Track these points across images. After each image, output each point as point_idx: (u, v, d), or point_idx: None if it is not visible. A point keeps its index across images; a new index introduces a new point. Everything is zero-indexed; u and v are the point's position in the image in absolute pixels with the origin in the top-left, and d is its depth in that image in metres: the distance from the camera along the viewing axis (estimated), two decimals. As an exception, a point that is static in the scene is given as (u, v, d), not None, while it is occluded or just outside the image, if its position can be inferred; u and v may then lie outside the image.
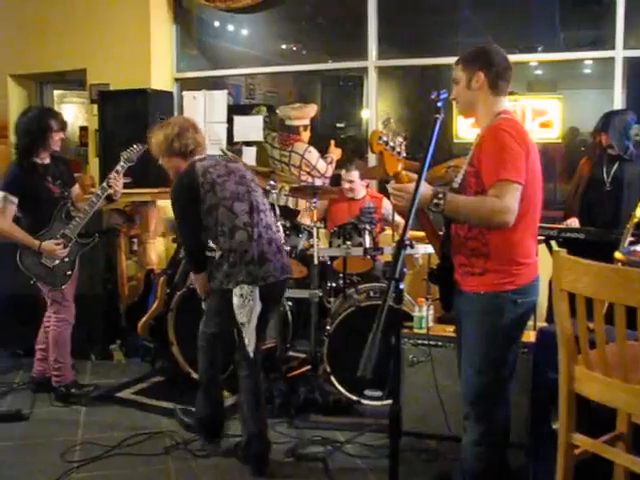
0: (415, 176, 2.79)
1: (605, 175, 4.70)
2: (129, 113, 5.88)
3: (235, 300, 3.55)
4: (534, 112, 5.58)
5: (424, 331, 3.89)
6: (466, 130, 5.53)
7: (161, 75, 6.77)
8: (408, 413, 3.67)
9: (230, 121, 6.35)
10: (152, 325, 5.04)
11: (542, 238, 4.21)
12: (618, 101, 5.42)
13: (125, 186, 4.72)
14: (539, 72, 6.41)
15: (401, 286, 2.33)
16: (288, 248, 4.61)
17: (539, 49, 5.98)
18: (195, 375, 4.76)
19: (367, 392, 4.42)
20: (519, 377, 3.05)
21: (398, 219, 5.01)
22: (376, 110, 6.29)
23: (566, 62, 5.95)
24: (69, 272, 4.60)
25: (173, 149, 3.71)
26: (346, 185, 5.52)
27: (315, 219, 4.67)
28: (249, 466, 3.66)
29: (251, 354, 3.63)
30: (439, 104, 2.60)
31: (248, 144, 6.30)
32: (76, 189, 4.82)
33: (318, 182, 5.48)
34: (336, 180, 5.75)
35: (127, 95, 6.06)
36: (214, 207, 3.58)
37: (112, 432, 4.09)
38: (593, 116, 4.99)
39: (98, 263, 5.65)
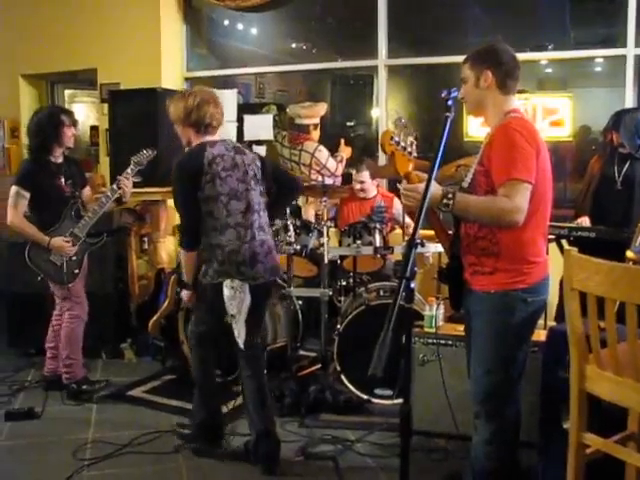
0: (425, 176, 2.79)
1: (616, 174, 4.68)
2: (139, 112, 5.88)
3: (226, 292, 3.56)
4: (545, 110, 5.56)
5: (434, 330, 3.89)
6: (476, 129, 5.51)
7: (171, 74, 6.78)
8: (418, 412, 3.65)
9: (240, 120, 6.36)
10: (163, 324, 5.05)
11: (553, 237, 4.21)
12: (629, 99, 5.39)
13: (135, 185, 4.75)
14: (549, 70, 6.37)
15: (412, 285, 2.33)
16: (298, 247, 4.62)
17: (549, 47, 5.95)
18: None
19: (377, 391, 4.43)
20: (529, 376, 3.04)
21: (408, 220, 5.00)
22: (386, 109, 6.28)
23: (577, 60, 5.92)
24: (76, 270, 4.62)
25: (189, 121, 3.64)
26: (357, 186, 5.52)
27: (325, 217, 4.67)
28: (259, 465, 3.67)
29: (242, 346, 3.64)
30: (449, 103, 2.60)
31: (258, 143, 6.31)
32: (87, 191, 4.86)
33: (328, 181, 5.48)
34: (348, 179, 5.75)
35: (137, 94, 6.06)
36: (211, 198, 3.55)
37: (123, 430, 4.10)
38: (604, 114, 4.97)
39: (109, 262, 5.67)
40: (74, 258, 4.60)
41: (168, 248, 6.24)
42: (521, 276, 2.77)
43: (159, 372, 5.21)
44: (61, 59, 6.94)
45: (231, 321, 3.61)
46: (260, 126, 6.31)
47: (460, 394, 3.38)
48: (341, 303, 5.04)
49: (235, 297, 3.57)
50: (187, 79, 7.02)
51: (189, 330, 3.87)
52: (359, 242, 4.59)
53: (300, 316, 5.01)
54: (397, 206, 5.44)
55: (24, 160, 4.70)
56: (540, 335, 3.40)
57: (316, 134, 5.85)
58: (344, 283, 5.10)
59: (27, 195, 4.47)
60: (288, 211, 4.73)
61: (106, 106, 6.45)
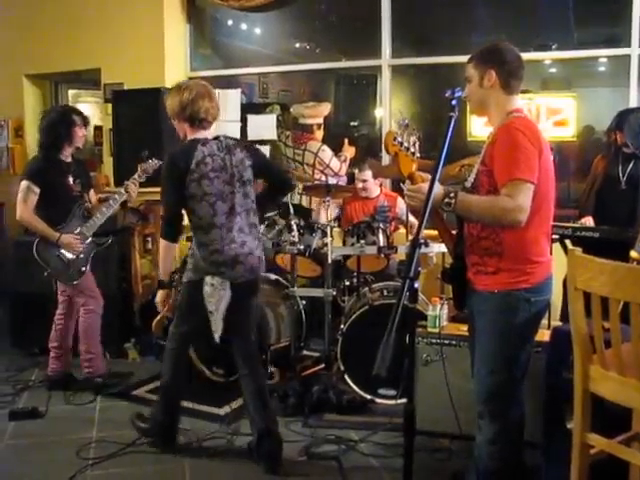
0: (428, 176, 2.80)
1: (620, 174, 4.68)
2: (143, 112, 5.89)
3: (206, 288, 3.61)
4: (548, 110, 5.55)
5: (438, 330, 3.88)
6: (480, 128, 5.50)
7: (175, 74, 6.77)
8: (422, 412, 3.65)
9: (244, 120, 6.36)
10: (166, 324, 5.04)
11: (557, 237, 4.20)
12: (633, 99, 5.37)
13: (139, 185, 4.76)
14: (553, 70, 6.36)
15: (415, 285, 2.33)
16: (302, 247, 4.61)
17: (553, 47, 5.94)
18: (209, 373, 4.80)
19: (381, 391, 4.42)
20: (533, 376, 3.04)
21: (412, 219, 5.00)
22: (390, 108, 6.28)
23: (580, 60, 5.91)
24: (83, 268, 4.64)
25: (184, 115, 3.64)
26: (359, 185, 5.52)
27: (330, 217, 4.67)
28: (261, 465, 3.67)
29: (217, 340, 3.68)
30: (453, 102, 2.61)
31: (262, 143, 6.31)
32: (92, 194, 4.89)
33: (332, 180, 5.48)
34: (353, 179, 5.75)
35: (141, 94, 6.07)
36: (196, 197, 3.57)
37: (126, 430, 4.09)
38: (608, 114, 4.97)
39: (112, 262, 5.68)
40: (81, 256, 4.63)
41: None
42: (524, 276, 2.77)
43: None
44: (65, 59, 6.95)
45: (209, 317, 3.65)
46: (264, 126, 6.31)
47: (464, 394, 3.37)
48: (345, 303, 5.04)
49: (214, 294, 3.62)
50: (191, 79, 6.99)
51: (169, 331, 3.89)
52: (363, 242, 4.59)
53: (304, 316, 5.00)
54: (401, 206, 5.43)
55: (35, 156, 4.73)
56: (544, 335, 3.39)
57: (320, 134, 5.85)
58: (348, 283, 5.10)
59: (37, 191, 4.49)
60: (292, 211, 4.74)
61: (110, 106, 6.46)
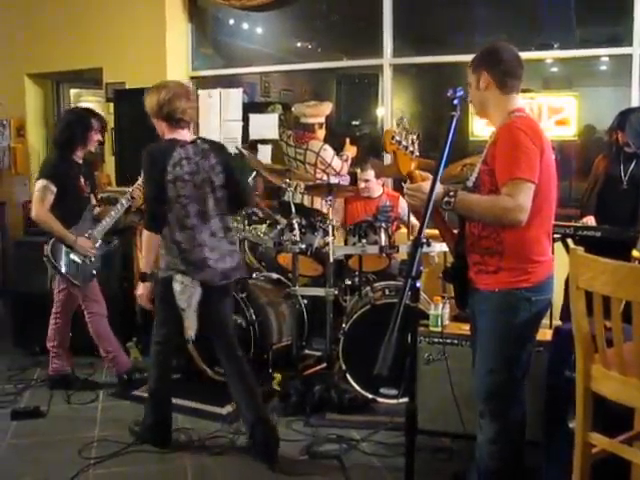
0: (428, 175, 2.81)
1: (622, 173, 4.68)
2: (145, 112, 5.86)
3: (176, 286, 3.66)
4: (550, 110, 5.55)
5: (440, 329, 3.89)
6: (482, 128, 5.50)
7: (177, 74, 6.78)
8: (423, 411, 3.65)
9: (245, 119, 6.37)
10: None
11: (558, 236, 4.20)
12: (635, 99, 5.36)
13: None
14: (555, 69, 6.35)
15: (417, 284, 2.33)
16: (303, 246, 4.60)
17: (555, 46, 5.94)
18: (211, 373, 4.79)
19: (382, 390, 4.43)
20: (534, 376, 3.04)
21: (413, 220, 5.01)
22: (391, 108, 6.27)
23: (582, 59, 5.90)
24: (94, 271, 4.67)
25: (161, 114, 3.71)
26: (362, 184, 5.52)
27: (338, 218, 4.67)
28: (259, 457, 3.69)
29: (192, 337, 3.74)
30: (455, 102, 2.60)
31: (263, 142, 6.31)
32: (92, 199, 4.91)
33: (334, 180, 5.48)
34: (355, 178, 5.75)
35: (143, 94, 6.02)
36: (172, 198, 3.63)
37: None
38: (609, 114, 4.96)
39: (114, 262, 5.68)
40: (92, 259, 4.65)
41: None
42: (525, 275, 2.77)
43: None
44: (66, 58, 6.95)
45: (182, 315, 3.68)
46: (265, 125, 6.32)
47: (465, 393, 3.38)
48: (346, 302, 5.04)
49: (185, 291, 3.66)
50: (192, 78, 7.02)
51: (152, 335, 3.93)
52: (364, 241, 4.59)
53: (305, 315, 5.01)
54: (403, 205, 5.43)
55: (50, 156, 4.76)
56: (545, 334, 3.39)
57: (321, 133, 5.84)
58: (349, 282, 5.09)
59: (54, 190, 4.49)
60: (294, 210, 4.74)
61: (111, 105, 6.47)
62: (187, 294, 3.66)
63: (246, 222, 4.97)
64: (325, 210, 5.00)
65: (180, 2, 6.88)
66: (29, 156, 7.45)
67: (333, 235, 4.57)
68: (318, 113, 5.80)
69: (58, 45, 6.98)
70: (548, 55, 5.97)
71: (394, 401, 4.35)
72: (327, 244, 4.56)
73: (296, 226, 4.63)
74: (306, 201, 5.71)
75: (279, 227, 4.75)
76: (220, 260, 3.73)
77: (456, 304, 3.09)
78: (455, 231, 2.99)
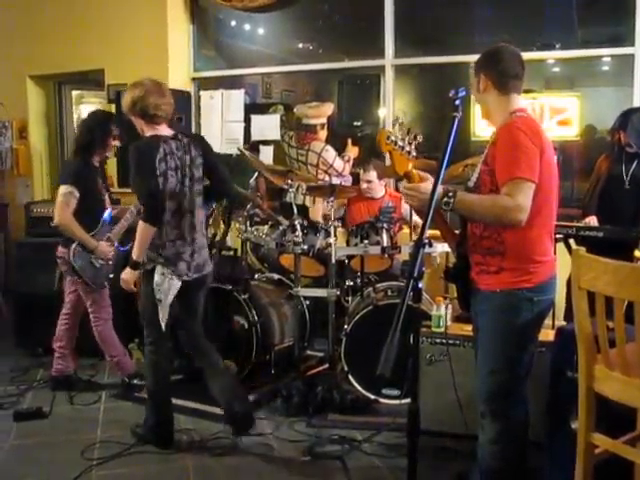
0: (426, 175, 2.81)
1: (624, 173, 4.67)
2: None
3: (156, 277, 3.74)
4: (552, 110, 5.54)
5: (442, 330, 3.88)
6: (483, 128, 5.49)
7: (178, 75, 6.79)
8: (426, 412, 3.62)
9: (247, 120, 6.37)
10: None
11: (561, 236, 4.20)
12: (637, 99, 5.35)
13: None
14: (556, 69, 6.36)
15: (419, 285, 2.33)
16: (305, 247, 4.60)
17: (557, 46, 5.93)
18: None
19: (385, 391, 4.42)
20: (537, 376, 3.04)
21: (416, 219, 5.00)
22: (393, 108, 6.27)
23: (584, 59, 5.90)
24: (111, 275, 4.69)
25: (135, 110, 3.77)
26: (364, 185, 5.52)
27: (332, 217, 4.66)
28: (234, 425, 3.91)
29: (163, 329, 3.79)
30: (457, 102, 2.60)
31: (265, 143, 6.31)
32: None
33: (335, 181, 5.48)
34: (357, 179, 5.75)
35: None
36: None
37: (131, 430, 4.11)
38: (611, 114, 4.96)
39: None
40: (110, 262, 4.68)
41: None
42: (526, 275, 2.77)
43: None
44: (68, 60, 6.96)
45: (157, 305, 3.75)
46: (267, 126, 6.33)
47: (468, 394, 3.38)
48: (349, 303, 5.04)
49: (164, 282, 3.73)
50: (194, 79, 7.03)
51: (144, 336, 3.97)
52: (367, 242, 4.58)
53: (307, 316, 5.01)
54: (405, 206, 5.42)
55: (72, 159, 4.75)
56: (548, 335, 3.39)
57: (323, 134, 5.85)
58: (352, 283, 5.09)
59: (78, 195, 4.49)
60: (295, 211, 4.74)
61: (113, 107, 6.46)
62: (165, 285, 3.74)
63: (248, 223, 4.97)
64: (323, 219, 5.04)
65: (182, 3, 6.89)
66: (31, 157, 7.46)
67: (335, 236, 4.56)
68: (320, 114, 5.81)
69: (60, 46, 6.98)
70: (550, 55, 5.97)
71: (396, 402, 4.35)
72: (329, 245, 4.55)
73: (298, 227, 4.63)
74: (308, 202, 5.71)
75: (281, 228, 4.75)
76: (195, 253, 3.84)
77: (460, 305, 3.09)
78: (456, 231, 3.00)
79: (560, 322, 4.23)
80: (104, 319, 4.75)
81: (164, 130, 3.81)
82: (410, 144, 2.76)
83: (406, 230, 5.43)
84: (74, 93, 7.97)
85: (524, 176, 2.63)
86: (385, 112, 6.36)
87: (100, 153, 4.67)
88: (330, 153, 5.71)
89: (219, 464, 3.75)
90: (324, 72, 7.06)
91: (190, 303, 3.94)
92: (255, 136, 6.40)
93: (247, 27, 7.38)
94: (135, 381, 4.77)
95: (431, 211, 2.46)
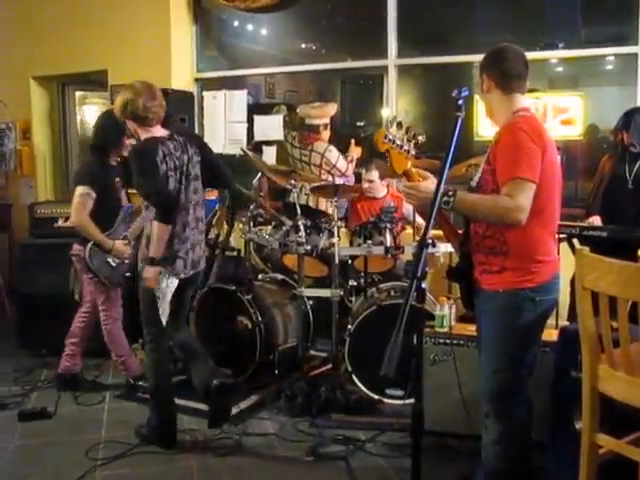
0: (426, 173, 2.81)
1: (627, 173, 4.67)
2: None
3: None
4: (555, 109, 5.53)
5: (446, 330, 3.88)
6: (487, 128, 5.49)
7: (181, 75, 6.80)
8: (429, 412, 3.62)
9: (250, 120, 6.37)
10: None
11: (564, 236, 4.20)
12: (641, 98, 5.37)
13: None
14: (560, 69, 6.35)
15: (423, 285, 2.33)
16: (309, 247, 4.60)
17: (560, 46, 5.93)
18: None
19: (388, 391, 4.42)
20: (541, 376, 3.04)
21: (419, 219, 5.00)
22: (396, 108, 6.27)
23: (587, 59, 5.89)
24: (128, 273, 4.70)
25: (126, 113, 3.77)
26: (366, 185, 5.52)
27: (335, 217, 4.67)
28: (213, 405, 3.98)
29: (164, 324, 3.85)
30: (460, 102, 2.60)
31: (268, 143, 6.32)
32: None
33: (339, 181, 5.48)
34: (359, 179, 5.75)
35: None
36: None
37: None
38: (615, 113, 4.95)
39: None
40: (126, 261, 4.69)
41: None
42: (529, 275, 2.77)
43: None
44: (72, 61, 6.98)
45: (157, 302, 3.80)
46: (270, 126, 6.33)
47: (471, 394, 3.37)
48: (352, 303, 5.03)
49: (162, 280, 3.78)
50: (197, 80, 7.04)
51: (143, 335, 4.00)
52: (370, 242, 4.58)
53: (311, 316, 5.00)
54: (408, 206, 5.41)
55: (88, 160, 4.75)
56: (552, 335, 3.39)
57: (326, 134, 5.84)
58: (355, 283, 5.09)
59: (94, 196, 4.50)
60: (299, 211, 4.74)
61: (116, 107, 6.47)
62: (164, 283, 3.78)
63: (251, 223, 4.97)
64: (330, 211, 5.00)
65: (185, 4, 6.90)
66: (35, 158, 7.48)
67: (338, 236, 4.57)
68: (323, 114, 5.80)
69: (63, 47, 7.00)
70: (553, 55, 5.96)
71: (400, 402, 4.34)
72: (332, 245, 4.55)
73: (301, 227, 4.63)
74: (311, 202, 5.71)
75: (284, 228, 4.76)
76: (190, 251, 3.88)
77: (463, 305, 3.09)
78: (460, 231, 3.00)
79: (564, 322, 4.23)
80: (114, 318, 4.76)
81: (158, 131, 3.82)
82: (409, 142, 2.76)
83: (409, 230, 5.43)
84: (77, 94, 7.99)
85: (524, 176, 2.63)
86: (388, 112, 6.36)
87: (116, 152, 4.67)
88: (333, 153, 5.71)
89: (223, 464, 3.75)
90: (327, 72, 7.07)
91: (182, 298, 4.02)
92: (258, 136, 6.40)
93: (250, 27, 7.38)
94: (140, 383, 4.77)
95: (434, 211, 2.46)
